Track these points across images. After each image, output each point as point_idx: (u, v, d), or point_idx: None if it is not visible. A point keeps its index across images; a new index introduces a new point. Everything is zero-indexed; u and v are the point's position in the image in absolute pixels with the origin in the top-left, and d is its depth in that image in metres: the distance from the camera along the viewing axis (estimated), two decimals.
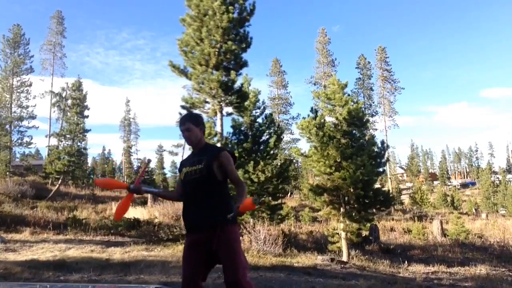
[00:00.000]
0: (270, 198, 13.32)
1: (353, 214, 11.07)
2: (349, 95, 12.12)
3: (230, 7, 10.47)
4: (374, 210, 11.78)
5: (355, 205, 11.23)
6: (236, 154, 11.74)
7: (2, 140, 29.77)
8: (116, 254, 8.39)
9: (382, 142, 12.12)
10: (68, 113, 28.07)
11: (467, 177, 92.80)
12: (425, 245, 15.62)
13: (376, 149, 11.61)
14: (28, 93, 32.52)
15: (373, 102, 46.20)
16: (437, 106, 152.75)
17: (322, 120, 11.55)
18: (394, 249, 14.11)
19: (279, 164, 14.62)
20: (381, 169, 11.93)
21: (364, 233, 14.57)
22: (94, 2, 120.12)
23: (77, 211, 16.76)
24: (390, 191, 21.30)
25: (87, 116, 28.25)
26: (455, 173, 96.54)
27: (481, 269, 10.52)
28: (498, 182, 58.98)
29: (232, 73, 10.80)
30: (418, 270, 10.19)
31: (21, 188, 20.51)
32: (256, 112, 13.85)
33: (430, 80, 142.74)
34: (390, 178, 46.45)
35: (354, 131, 11.68)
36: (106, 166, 61.59)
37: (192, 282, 2.49)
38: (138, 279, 5.79)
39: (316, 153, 11.14)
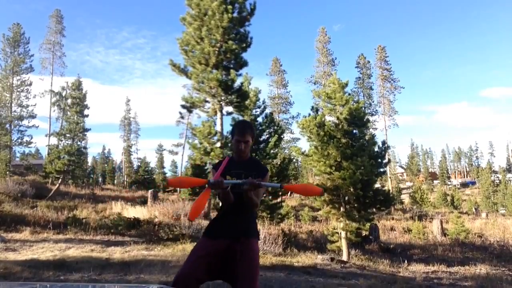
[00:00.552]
0: (270, 197, 13.32)
1: (353, 213, 11.07)
2: (349, 94, 12.11)
3: (230, 7, 10.46)
4: (374, 209, 11.78)
5: (355, 205, 11.23)
6: None
7: (2, 140, 29.77)
8: (116, 253, 8.39)
9: (383, 143, 12.12)
10: (68, 112, 28.05)
11: (467, 177, 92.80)
12: (425, 245, 15.62)
13: (376, 149, 11.61)
14: (28, 92, 32.57)
15: (373, 102, 46.26)
16: (437, 105, 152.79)
17: (323, 120, 11.55)
18: (394, 249, 14.12)
19: (279, 163, 14.63)
20: (381, 170, 11.92)
21: (364, 232, 14.58)
22: (95, 1, 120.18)
23: (77, 210, 16.74)
24: (390, 190, 21.31)
25: (87, 115, 28.26)
26: (455, 172, 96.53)
27: (481, 269, 10.53)
28: (498, 181, 59.04)
29: (232, 72, 10.80)
30: (418, 269, 10.20)
31: (21, 187, 20.49)
32: (256, 112, 13.86)
33: (430, 79, 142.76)
34: (390, 177, 46.46)
35: (354, 131, 11.67)
36: (106, 165, 61.61)
37: (189, 279, 2.43)
38: (138, 279, 5.79)
39: (316, 152, 11.13)
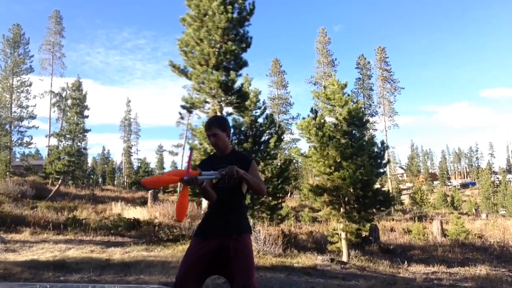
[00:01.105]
0: (270, 198, 13.31)
1: (353, 214, 11.07)
2: (349, 95, 12.11)
3: (229, 7, 10.46)
4: (374, 210, 11.77)
5: (355, 206, 11.23)
6: None
7: (2, 140, 29.78)
8: (116, 254, 8.38)
9: (382, 143, 12.12)
10: (68, 113, 28.07)
11: (467, 177, 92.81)
12: (425, 246, 15.62)
13: (376, 150, 11.61)
14: (28, 93, 32.56)
15: (373, 102, 46.30)
16: (437, 106, 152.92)
17: (322, 120, 11.55)
18: (394, 250, 14.12)
19: (279, 164, 14.62)
20: (381, 170, 11.92)
21: (364, 233, 14.56)
22: (95, 2, 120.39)
23: (77, 211, 16.74)
24: (390, 191, 21.31)
25: (87, 116, 28.30)
26: (455, 173, 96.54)
27: (481, 270, 10.52)
28: (498, 182, 59.01)
29: (232, 73, 10.80)
30: (418, 270, 10.20)
31: (21, 188, 20.50)
32: (256, 112, 13.83)
33: (431, 79, 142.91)
34: (390, 178, 46.45)
35: (354, 131, 11.68)
36: (106, 166, 61.63)
37: (186, 283, 2.45)
38: (138, 280, 5.79)
39: (316, 153, 11.14)
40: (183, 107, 11.36)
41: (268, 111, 15.37)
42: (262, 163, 12.80)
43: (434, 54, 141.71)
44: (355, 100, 12.49)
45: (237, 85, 11.07)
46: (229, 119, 13.04)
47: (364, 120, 12.04)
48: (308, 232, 16.11)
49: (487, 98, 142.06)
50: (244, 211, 2.73)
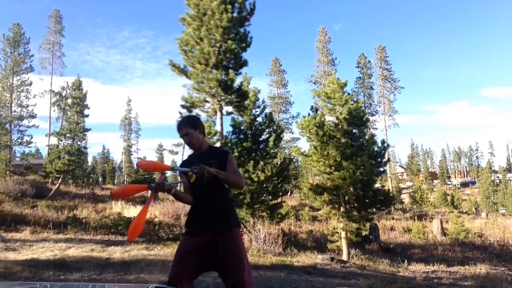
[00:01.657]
0: (270, 197, 13.32)
1: (353, 213, 11.07)
2: (349, 94, 12.11)
3: (229, 7, 10.45)
4: (374, 209, 11.78)
5: (355, 205, 11.24)
6: (236, 154, 11.79)
7: (2, 139, 29.76)
8: (116, 253, 8.40)
9: (383, 142, 12.12)
10: (68, 112, 28.04)
11: (467, 176, 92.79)
12: (425, 244, 15.64)
13: (376, 149, 11.61)
14: (28, 92, 32.50)
15: (373, 101, 46.23)
16: (438, 105, 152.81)
17: (322, 119, 11.55)
18: (394, 248, 14.13)
19: (279, 163, 14.63)
20: (381, 169, 11.92)
21: (364, 232, 14.58)
22: (95, 1, 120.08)
23: (77, 210, 16.77)
24: (390, 190, 21.32)
25: (87, 115, 28.26)
26: (455, 172, 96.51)
27: (481, 268, 10.53)
28: (498, 181, 59.01)
29: (232, 72, 10.79)
30: (418, 269, 10.20)
31: (21, 187, 20.51)
32: (256, 111, 13.84)
33: (431, 78, 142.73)
34: (390, 177, 46.45)
35: (354, 131, 11.68)
36: (106, 165, 61.65)
37: (179, 280, 2.45)
38: (138, 278, 5.80)
39: (316, 152, 11.14)
40: (183, 106, 11.35)
41: (268, 110, 15.37)
42: (261, 162, 12.81)
43: (435, 53, 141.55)
44: (355, 99, 12.47)
45: (236, 84, 11.06)
46: (229, 118, 13.08)
47: (364, 119, 12.03)
48: (308, 231, 16.13)
49: (487, 97, 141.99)
50: (231, 205, 2.71)
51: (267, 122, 13.89)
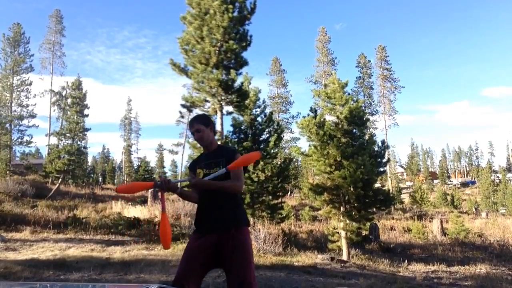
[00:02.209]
0: (270, 197, 13.32)
1: (353, 213, 11.07)
2: (349, 94, 12.10)
3: (231, 6, 10.44)
4: (374, 209, 11.79)
5: (355, 204, 11.23)
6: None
7: (2, 139, 29.75)
8: (116, 253, 8.39)
9: (383, 142, 12.12)
10: (68, 112, 28.04)
11: (467, 176, 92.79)
12: (425, 244, 15.63)
13: (376, 148, 11.61)
14: (28, 92, 32.48)
15: (373, 101, 46.26)
16: (438, 104, 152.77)
17: (322, 119, 11.54)
18: (394, 248, 14.13)
19: (279, 163, 14.62)
20: (381, 169, 11.92)
21: (364, 232, 14.57)
22: (95, 1, 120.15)
23: (77, 210, 16.76)
24: (390, 190, 21.31)
25: (87, 115, 28.28)
26: (455, 172, 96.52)
27: (481, 268, 10.53)
28: (498, 181, 59.02)
29: (232, 72, 10.78)
30: (418, 269, 10.20)
31: (21, 187, 20.50)
32: (256, 111, 13.84)
33: (432, 78, 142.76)
34: (390, 177, 46.46)
35: (354, 130, 11.67)
36: (106, 165, 61.66)
37: (186, 281, 2.45)
38: (138, 278, 5.79)
39: (316, 152, 11.13)
40: (183, 106, 11.35)
41: (268, 110, 15.36)
42: (262, 162, 12.79)
43: (435, 53, 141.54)
44: (355, 99, 12.46)
45: (237, 84, 11.06)
46: (229, 118, 13.07)
47: (364, 119, 12.03)
48: (308, 231, 16.13)
49: (488, 97, 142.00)
50: (239, 203, 2.71)
51: (267, 122, 13.88)
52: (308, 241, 13.99)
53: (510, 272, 10.30)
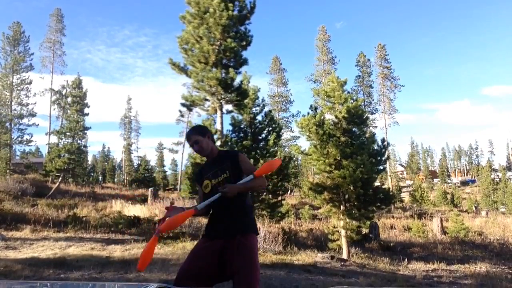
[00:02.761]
0: (270, 195, 13.32)
1: (353, 212, 11.07)
2: (348, 92, 12.08)
3: (230, 5, 10.43)
4: (374, 208, 11.77)
5: (355, 203, 11.23)
6: None
7: (2, 138, 29.75)
8: (117, 251, 8.40)
9: (383, 140, 12.10)
10: (68, 111, 28.07)
11: (467, 175, 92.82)
12: (425, 243, 15.64)
13: (376, 147, 11.60)
14: (28, 90, 32.50)
15: (373, 100, 46.18)
16: (439, 103, 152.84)
17: (322, 118, 11.53)
18: (394, 247, 14.13)
19: None
20: (381, 167, 11.92)
21: (364, 230, 14.58)
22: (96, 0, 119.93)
23: (78, 209, 16.76)
24: (390, 188, 21.31)
25: (87, 114, 28.30)
26: (455, 170, 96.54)
27: (481, 267, 10.54)
28: (498, 179, 59.04)
29: (232, 70, 10.77)
30: (418, 267, 10.21)
31: (21, 186, 20.51)
32: (255, 110, 13.83)
33: (432, 77, 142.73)
34: (390, 175, 46.44)
35: (354, 129, 11.66)
36: (106, 164, 61.66)
37: (188, 279, 2.44)
38: (139, 277, 5.80)
39: (316, 151, 11.13)
40: (183, 105, 11.35)
41: (267, 109, 15.36)
42: (261, 161, 12.78)
43: (436, 52, 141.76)
44: (354, 97, 12.44)
45: (236, 82, 11.05)
46: (229, 116, 13.07)
47: (364, 117, 12.01)
48: (308, 230, 16.13)
49: (488, 96, 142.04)
50: (249, 211, 2.69)
51: (267, 120, 13.88)
52: (308, 239, 13.99)
53: (510, 271, 10.31)
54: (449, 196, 46.03)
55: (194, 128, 2.86)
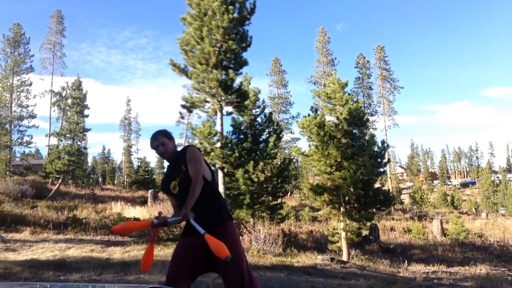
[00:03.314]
0: (270, 197, 13.31)
1: (353, 213, 11.06)
2: (349, 94, 12.10)
3: (231, 7, 10.45)
4: (374, 209, 11.77)
5: (355, 205, 11.22)
6: (236, 154, 11.77)
7: (2, 140, 29.75)
8: (116, 253, 8.38)
9: (383, 142, 12.11)
10: (68, 113, 28.05)
11: (467, 177, 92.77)
12: (425, 245, 15.62)
13: (376, 149, 11.60)
14: (28, 92, 32.50)
15: (373, 101, 46.19)
16: (439, 105, 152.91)
17: (323, 120, 11.54)
18: (394, 249, 14.11)
19: (279, 163, 14.62)
20: (381, 169, 11.91)
21: (364, 232, 14.57)
22: (96, 1, 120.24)
23: (77, 210, 16.75)
24: (390, 190, 21.30)
25: (87, 116, 28.27)
26: (455, 172, 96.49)
27: (481, 269, 10.52)
28: (498, 181, 59.01)
29: (232, 72, 10.78)
30: (418, 269, 10.19)
31: (21, 187, 20.49)
32: (256, 112, 13.84)
33: (433, 79, 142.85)
34: (390, 177, 46.42)
35: (354, 131, 11.67)
36: (106, 165, 61.61)
37: (176, 280, 2.48)
38: (138, 279, 5.79)
39: (317, 152, 11.13)
40: (183, 106, 11.35)
41: (268, 110, 15.37)
42: (261, 163, 12.80)
43: (436, 53, 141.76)
44: (355, 99, 12.45)
45: (236, 84, 11.06)
46: (229, 118, 13.09)
47: (364, 119, 12.02)
48: (308, 232, 16.11)
49: (489, 97, 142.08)
50: (218, 199, 2.74)
51: (267, 122, 13.89)
52: (308, 241, 13.97)
53: (510, 273, 10.29)
54: (449, 198, 46.01)
55: (161, 131, 2.90)
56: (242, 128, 13.50)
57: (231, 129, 13.46)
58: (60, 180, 25.44)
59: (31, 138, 31.11)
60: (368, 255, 11.95)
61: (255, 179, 12.37)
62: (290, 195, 38.36)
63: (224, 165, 10.84)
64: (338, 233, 11.77)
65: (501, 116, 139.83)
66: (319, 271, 8.05)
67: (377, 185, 13.85)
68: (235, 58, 11.03)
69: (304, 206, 27.31)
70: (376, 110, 45.75)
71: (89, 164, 54.91)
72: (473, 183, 78.52)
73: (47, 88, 37.87)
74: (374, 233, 15.27)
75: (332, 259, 9.64)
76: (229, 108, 11.69)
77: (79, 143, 26.62)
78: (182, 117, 32.60)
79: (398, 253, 13.44)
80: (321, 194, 11.33)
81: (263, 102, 14.44)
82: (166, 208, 16.23)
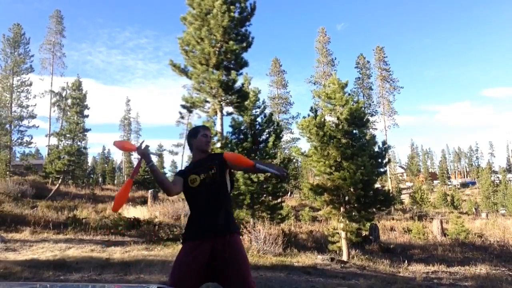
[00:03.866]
0: (270, 197, 13.30)
1: (353, 213, 11.06)
2: (349, 94, 12.10)
3: (231, 7, 10.46)
4: (374, 209, 11.77)
5: (355, 205, 11.22)
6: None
7: (2, 140, 29.75)
8: (116, 253, 8.39)
9: (383, 143, 12.11)
10: (68, 113, 28.05)
11: (467, 177, 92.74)
12: (425, 245, 15.62)
13: (376, 149, 11.60)
14: (28, 92, 32.46)
15: (373, 102, 46.24)
16: (439, 105, 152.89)
17: (323, 120, 11.54)
18: (394, 249, 14.12)
19: (278, 163, 14.60)
20: (381, 169, 11.91)
21: (364, 232, 14.56)
22: (97, 1, 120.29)
23: (77, 210, 16.74)
24: (390, 190, 21.28)
25: (87, 116, 28.26)
26: (455, 172, 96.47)
27: (481, 269, 10.52)
28: (498, 181, 59.04)
29: (233, 72, 10.79)
30: (418, 269, 10.19)
31: (21, 187, 20.47)
32: (256, 112, 13.83)
33: (433, 79, 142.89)
34: (390, 177, 46.44)
35: (354, 131, 11.66)
36: (106, 165, 61.59)
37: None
38: (138, 279, 5.79)
39: (316, 152, 11.13)
40: (183, 106, 11.36)
41: (267, 111, 15.36)
42: None
43: (436, 53, 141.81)
44: (355, 99, 12.45)
45: (237, 84, 11.07)
46: (229, 118, 13.09)
47: (365, 119, 12.02)
48: (308, 232, 16.12)
49: (488, 97, 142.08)
50: (230, 211, 2.72)
51: (267, 122, 13.87)
52: (308, 241, 13.98)
53: (510, 273, 10.29)
54: (449, 198, 46.00)
55: (207, 127, 3.07)
56: (242, 128, 13.48)
57: (231, 129, 13.46)
58: (60, 180, 25.44)
59: (31, 138, 31.12)
60: (368, 255, 11.96)
61: (255, 179, 12.35)
62: (290, 195, 38.34)
63: None
64: (338, 233, 11.77)
65: (501, 116, 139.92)
66: (319, 271, 8.05)
67: (377, 185, 13.86)
68: (236, 59, 11.04)
69: (304, 206, 27.30)
70: (376, 110, 45.85)
71: (89, 164, 54.95)
72: (473, 183, 78.53)
73: (47, 88, 37.89)
74: (374, 233, 15.27)
75: (332, 259, 9.65)
76: (229, 108, 11.71)
77: (79, 143, 26.61)
78: (182, 117, 32.56)
79: (398, 253, 13.44)
80: (321, 194, 11.33)
81: (263, 102, 14.42)
82: (166, 208, 16.25)
